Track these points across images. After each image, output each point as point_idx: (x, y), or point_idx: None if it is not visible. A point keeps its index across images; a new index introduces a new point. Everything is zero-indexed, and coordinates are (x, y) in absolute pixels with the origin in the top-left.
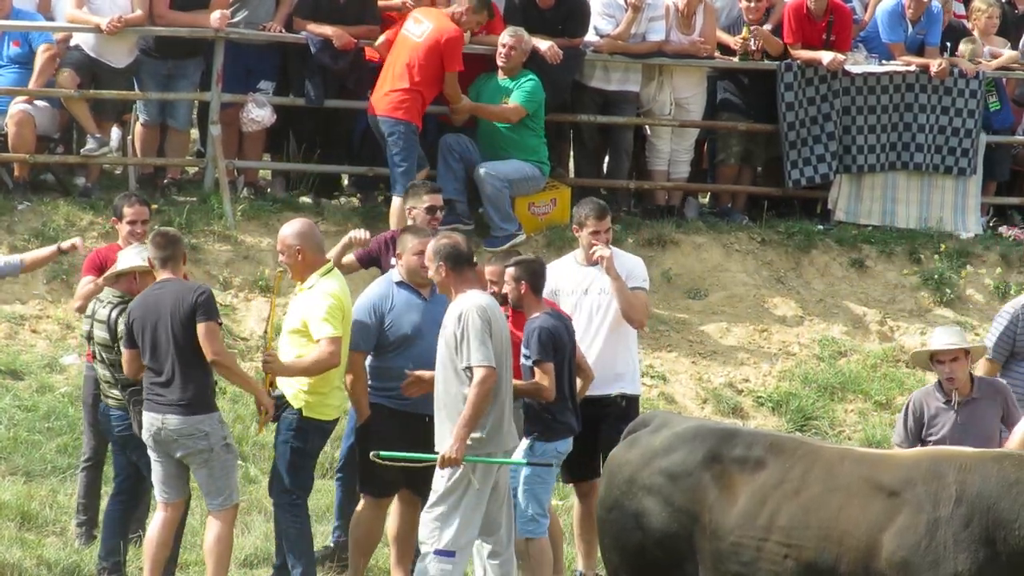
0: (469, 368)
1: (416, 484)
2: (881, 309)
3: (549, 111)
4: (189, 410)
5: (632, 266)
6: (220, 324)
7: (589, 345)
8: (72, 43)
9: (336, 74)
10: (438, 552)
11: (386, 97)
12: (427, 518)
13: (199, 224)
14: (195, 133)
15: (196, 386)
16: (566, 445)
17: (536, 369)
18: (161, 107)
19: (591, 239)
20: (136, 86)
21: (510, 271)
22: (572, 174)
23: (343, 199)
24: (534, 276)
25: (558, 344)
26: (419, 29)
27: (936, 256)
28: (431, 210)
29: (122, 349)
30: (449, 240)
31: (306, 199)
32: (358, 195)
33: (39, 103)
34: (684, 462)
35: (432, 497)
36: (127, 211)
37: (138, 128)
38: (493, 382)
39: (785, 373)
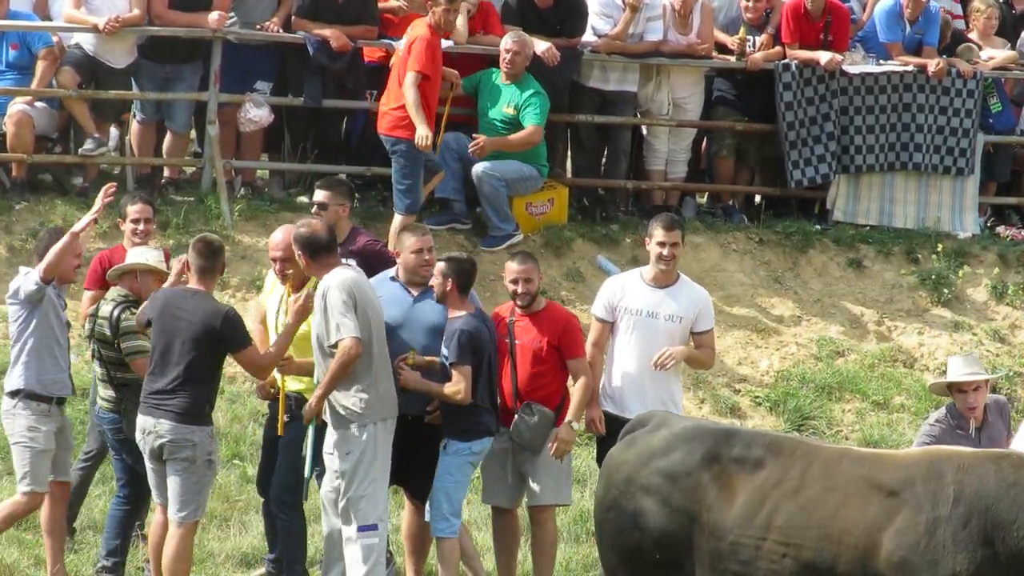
0: (335, 345)
1: (409, 484)
2: (879, 309)
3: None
4: (183, 419)
5: (703, 306)
6: (250, 342)
7: (646, 368)
8: (72, 42)
9: (334, 74)
10: (361, 529)
11: (386, 116)
12: (343, 504)
13: (196, 224)
14: (193, 133)
15: (195, 399)
16: (482, 445)
17: (453, 371)
18: (158, 107)
19: (659, 250)
20: (134, 87)
21: (440, 266)
22: (570, 174)
23: None
24: (463, 275)
25: (478, 346)
26: (404, 42)
27: (934, 256)
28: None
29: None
30: (307, 228)
31: (303, 199)
32: (356, 196)
33: (38, 104)
34: (683, 462)
35: (341, 482)
36: (130, 209)
37: (135, 126)
38: (358, 352)
39: (783, 373)
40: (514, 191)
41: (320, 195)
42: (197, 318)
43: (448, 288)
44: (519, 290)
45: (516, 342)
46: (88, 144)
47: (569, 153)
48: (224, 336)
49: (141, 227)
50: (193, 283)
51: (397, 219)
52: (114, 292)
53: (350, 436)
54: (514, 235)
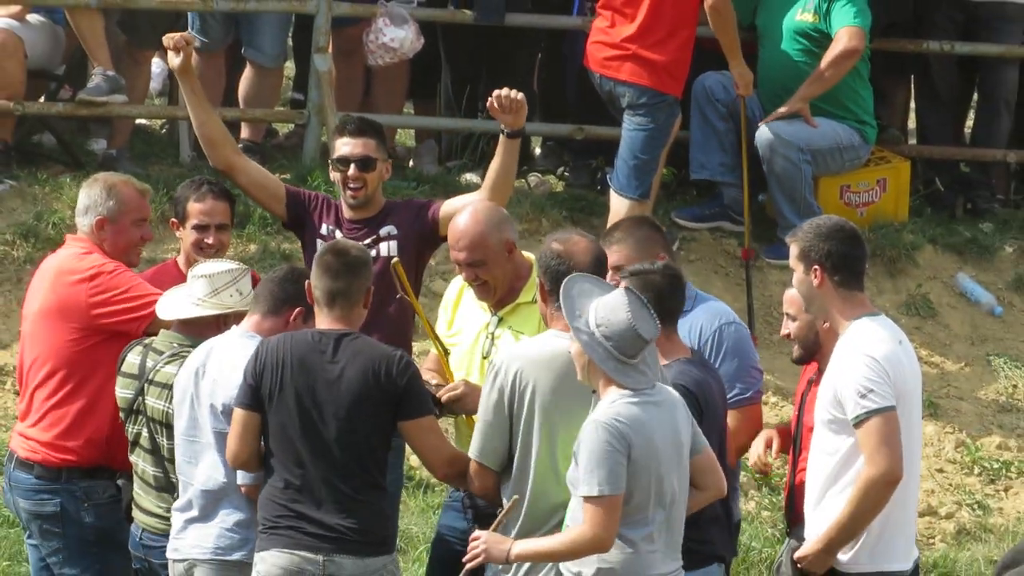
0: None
1: None
2: None
3: (876, 36)
4: (370, 548)
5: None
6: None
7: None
8: None
9: None
10: None
11: (618, 59)
12: None
13: None
14: (290, 68)
15: (380, 511)
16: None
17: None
18: (230, 25)
19: None
20: None
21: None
22: (915, 138)
23: (533, 178)
24: (660, 298)
25: (710, 413)
26: None
27: None
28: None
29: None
30: (565, 244)
31: (472, 176)
32: (564, 169)
33: (33, 18)
34: None
35: None
36: (193, 207)
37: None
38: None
39: None
40: (822, 167)
41: (357, 145)
42: (354, 374)
43: None
44: (789, 331)
45: (803, 417)
46: (95, 82)
47: (913, 105)
48: (402, 394)
49: (211, 238)
50: (323, 322)
51: (621, 204)
52: (168, 339)
53: None
54: None
